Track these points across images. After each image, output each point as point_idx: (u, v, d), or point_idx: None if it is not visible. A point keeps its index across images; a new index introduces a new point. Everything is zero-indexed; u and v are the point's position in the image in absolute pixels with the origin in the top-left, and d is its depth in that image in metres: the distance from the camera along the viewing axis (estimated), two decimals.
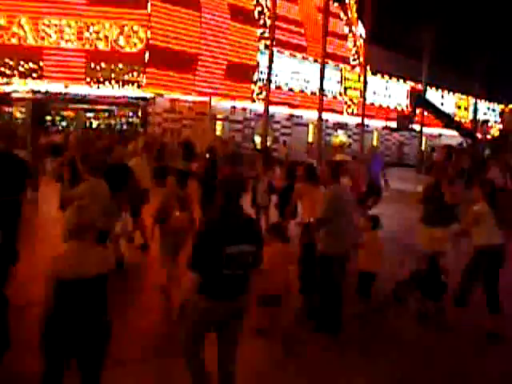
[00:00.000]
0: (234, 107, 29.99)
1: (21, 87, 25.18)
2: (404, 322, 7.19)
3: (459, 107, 48.85)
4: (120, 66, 24.37)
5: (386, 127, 40.21)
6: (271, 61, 26.08)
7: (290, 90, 32.62)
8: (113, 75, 24.37)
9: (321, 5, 31.17)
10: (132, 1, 24.30)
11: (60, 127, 25.65)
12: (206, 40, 26.84)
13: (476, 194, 6.96)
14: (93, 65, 24.09)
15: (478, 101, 48.93)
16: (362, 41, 37.67)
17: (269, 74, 26.25)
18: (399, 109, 41.13)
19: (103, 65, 24.21)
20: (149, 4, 24.41)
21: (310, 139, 35.04)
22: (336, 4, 37.02)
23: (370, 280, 6.89)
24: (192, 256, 4.05)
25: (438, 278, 7.03)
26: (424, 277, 7.07)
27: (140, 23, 24.35)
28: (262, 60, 28.95)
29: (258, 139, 29.50)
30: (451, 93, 47.14)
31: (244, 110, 30.72)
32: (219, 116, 29.58)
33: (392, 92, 41.15)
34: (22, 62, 23.90)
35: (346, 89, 36.68)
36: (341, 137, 37.58)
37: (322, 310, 6.31)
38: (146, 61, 24.43)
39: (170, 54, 25.03)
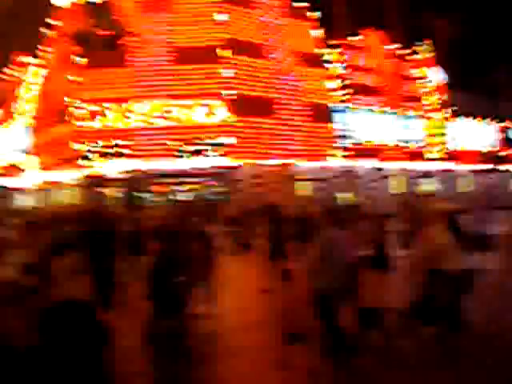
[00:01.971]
0: (317, 167, 30.03)
1: (114, 168, 26.51)
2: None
3: None
4: (204, 138, 25.25)
5: (475, 170, 38.84)
6: (349, 116, 26.27)
7: (371, 142, 32.38)
8: (198, 148, 25.24)
9: (395, 63, 31.38)
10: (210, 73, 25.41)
11: (153, 203, 26.55)
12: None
13: (439, 224, 7.63)
14: (179, 140, 25.12)
15: None
16: (440, 86, 37.27)
17: (348, 130, 26.43)
18: (488, 150, 39.73)
19: (189, 139, 25.17)
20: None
21: (398, 191, 34.33)
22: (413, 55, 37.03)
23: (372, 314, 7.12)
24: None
25: (432, 304, 7.38)
26: (422, 304, 7.42)
27: (220, 96, 25.32)
28: (340, 117, 29.08)
29: (343, 196, 29.22)
30: None
31: (326, 168, 30.67)
32: (303, 176, 29.66)
33: (478, 133, 39.97)
34: (113, 145, 25.28)
35: (429, 136, 36.01)
36: (429, 185, 36.59)
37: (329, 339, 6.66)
38: (229, 130, 25.22)
39: (251, 111, 25.95)
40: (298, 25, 29.78)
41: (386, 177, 34.21)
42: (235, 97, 25.53)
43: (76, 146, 25.58)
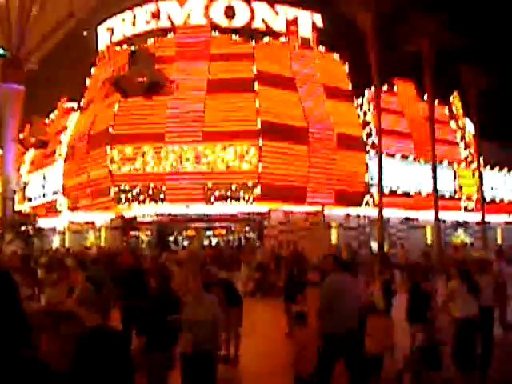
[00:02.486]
0: (347, 215, 30.02)
1: (145, 211, 26.98)
2: None
3: None
4: (235, 184, 25.56)
5: (510, 222, 38.18)
6: (381, 170, 26.23)
7: (404, 193, 32.29)
8: (229, 193, 25.54)
9: (426, 114, 31.40)
10: (244, 125, 25.92)
11: (182, 246, 26.88)
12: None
13: (452, 272, 8.08)
14: (210, 185, 25.48)
15: None
16: (471, 137, 37.20)
17: (379, 181, 26.35)
18: None
19: (219, 184, 25.52)
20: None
21: (429, 241, 33.91)
22: (446, 111, 37.04)
23: (378, 361, 7.31)
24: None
25: (436, 350, 7.72)
26: (425, 350, 7.72)
27: (251, 143, 25.71)
28: (372, 166, 29.14)
29: (374, 245, 29.04)
30: None
31: (358, 216, 30.62)
32: (333, 224, 29.65)
33: (510, 184, 39.51)
34: (146, 188, 25.80)
35: (461, 187, 35.75)
36: (461, 236, 36.07)
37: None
38: (259, 176, 25.52)
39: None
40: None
41: (417, 226, 33.93)
42: (265, 142, 25.91)
43: (110, 189, 26.20)
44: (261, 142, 25.65)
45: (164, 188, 25.59)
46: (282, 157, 26.33)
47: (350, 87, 31.02)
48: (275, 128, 26.06)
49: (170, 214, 26.77)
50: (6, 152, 31.61)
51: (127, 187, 25.88)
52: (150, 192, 25.67)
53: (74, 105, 33.50)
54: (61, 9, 35.48)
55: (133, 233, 29.02)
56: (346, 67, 31.32)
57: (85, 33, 40.21)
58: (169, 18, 28.93)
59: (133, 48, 27.21)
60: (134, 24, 30.12)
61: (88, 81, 32.61)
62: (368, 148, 30.22)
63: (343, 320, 6.87)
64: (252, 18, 28.89)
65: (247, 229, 28.50)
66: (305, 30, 30.11)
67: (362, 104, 31.48)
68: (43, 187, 33.89)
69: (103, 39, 32.06)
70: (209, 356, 6.04)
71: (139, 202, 25.90)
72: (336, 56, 31.36)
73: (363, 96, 31.60)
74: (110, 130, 26.47)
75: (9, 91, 32.52)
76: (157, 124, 26.05)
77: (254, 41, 28.37)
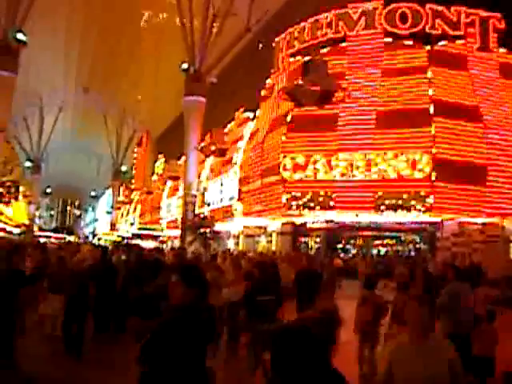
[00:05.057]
0: None
1: (315, 218, 27.43)
2: None
3: None
4: (406, 193, 24.95)
5: None
6: None
7: None
8: (400, 202, 24.98)
9: None
10: (416, 131, 25.20)
11: (350, 254, 26.93)
12: (493, 153, 25.54)
13: None
14: (380, 193, 25.15)
15: None
16: None
17: None
18: None
19: (390, 193, 25.09)
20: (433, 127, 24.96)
21: None
22: None
23: (488, 364, 7.63)
24: None
25: None
26: None
27: (424, 150, 24.88)
28: None
29: None
30: None
31: None
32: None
33: None
34: (316, 195, 26.24)
35: None
36: None
37: None
38: (432, 185, 24.61)
39: (456, 171, 24.64)
40: None
41: None
42: (440, 156, 24.81)
43: (282, 196, 27.07)
44: (434, 150, 24.80)
45: (334, 196, 25.84)
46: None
47: None
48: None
49: (338, 222, 26.96)
50: (188, 159, 34.15)
51: (298, 194, 26.54)
52: (320, 199, 26.07)
53: (250, 115, 35.16)
54: (238, 25, 37.53)
55: (302, 239, 29.69)
56: None
57: (260, 46, 42.12)
58: (341, 26, 29.23)
59: (306, 58, 27.94)
60: (307, 34, 30.92)
61: (263, 92, 34.06)
62: None
63: (456, 324, 7.69)
64: (426, 21, 28.09)
65: (418, 239, 27.68)
66: (484, 32, 28.49)
67: None
68: (220, 193, 36.10)
69: (278, 51, 33.30)
70: None
71: (309, 209, 26.43)
72: None
73: None
74: (284, 138, 27.41)
75: (192, 103, 35.09)
76: (328, 132, 26.43)
77: (429, 46, 27.50)
